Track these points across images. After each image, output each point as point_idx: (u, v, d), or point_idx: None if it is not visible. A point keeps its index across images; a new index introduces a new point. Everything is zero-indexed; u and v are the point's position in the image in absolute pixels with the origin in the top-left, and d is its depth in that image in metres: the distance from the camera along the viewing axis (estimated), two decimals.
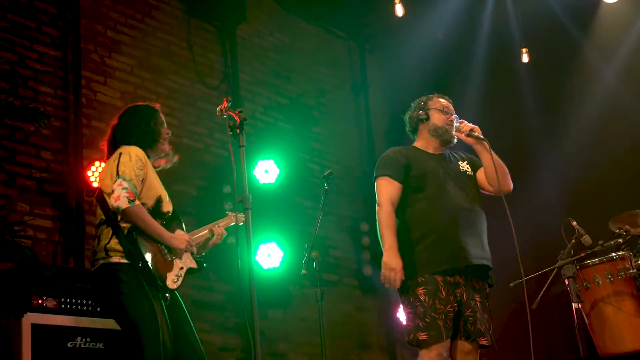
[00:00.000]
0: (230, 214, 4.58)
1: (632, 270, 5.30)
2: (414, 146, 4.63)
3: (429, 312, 4.17)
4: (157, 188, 4.19)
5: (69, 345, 4.74)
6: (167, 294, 4.03)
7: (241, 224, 4.46)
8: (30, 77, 6.12)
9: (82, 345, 4.80)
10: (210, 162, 7.21)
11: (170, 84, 7.16)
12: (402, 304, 4.35)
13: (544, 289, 4.99)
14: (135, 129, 4.28)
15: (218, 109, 4.12)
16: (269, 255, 7.21)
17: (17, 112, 4.95)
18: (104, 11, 6.81)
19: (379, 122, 9.20)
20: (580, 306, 4.96)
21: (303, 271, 4.96)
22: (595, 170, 7.87)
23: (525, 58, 8.21)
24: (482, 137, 4.46)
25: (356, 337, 8.25)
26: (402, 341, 8.40)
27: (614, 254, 5.34)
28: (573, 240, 5.11)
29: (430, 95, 4.70)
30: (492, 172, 4.44)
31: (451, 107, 4.66)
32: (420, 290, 4.21)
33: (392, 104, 9.29)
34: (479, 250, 4.32)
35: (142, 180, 4.09)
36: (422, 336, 4.16)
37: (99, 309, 4.91)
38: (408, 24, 8.44)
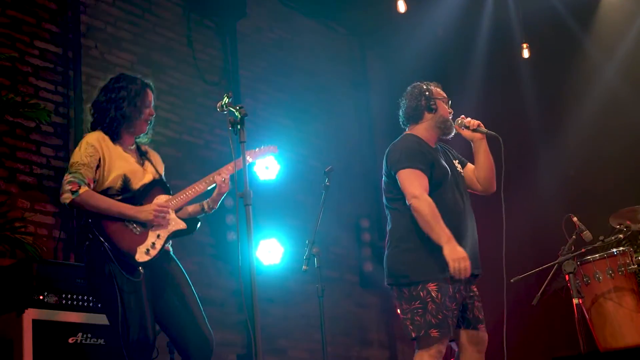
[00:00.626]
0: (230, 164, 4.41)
1: (632, 266, 5.29)
2: (419, 137, 4.43)
3: (441, 309, 4.08)
4: (120, 167, 4.12)
5: (70, 341, 4.75)
6: (140, 268, 3.97)
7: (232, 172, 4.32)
8: (31, 74, 6.12)
9: (83, 341, 4.81)
10: (210, 158, 7.21)
11: (171, 80, 7.16)
12: (407, 298, 4.17)
13: (544, 285, 4.99)
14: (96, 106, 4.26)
15: (219, 104, 4.11)
16: (270, 252, 7.22)
17: (18, 108, 4.95)
18: (104, 7, 6.81)
19: (379, 117, 9.19)
20: (580, 302, 4.95)
21: (304, 267, 4.96)
22: (595, 165, 7.87)
23: (525, 54, 8.19)
24: (493, 132, 4.40)
25: (357, 334, 8.26)
26: (402, 337, 8.41)
27: (614, 250, 5.33)
28: (573, 236, 5.10)
29: (429, 84, 4.56)
30: (487, 172, 4.41)
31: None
32: (433, 287, 4.11)
33: (392, 100, 9.21)
34: (477, 258, 4.30)
35: (98, 165, 4.07)
36: (434, 333, 4.07)
37: (99, 305, 4.91)
38: (408, 19, 8.42)
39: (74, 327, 4.79)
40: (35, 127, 5.97)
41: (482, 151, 4.43)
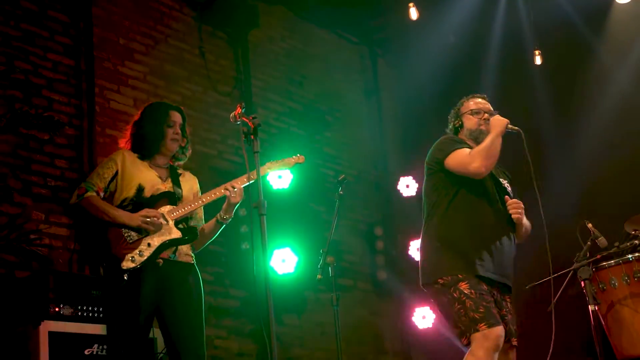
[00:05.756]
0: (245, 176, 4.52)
1: None
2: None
3: (479, 302, 4.06)
4: (137, 178, 4.36)
5: (86, 352, 4.76)
6: (124, 275, 4.11)
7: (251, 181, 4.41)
8: (44, 86, 6.15)
9: (100, 353, 4.81)
10: (223, 168, 7.22)
11: (183, 90, 7.18)
12: (445, 302, 4.17)
13: (559, 291, 4.97)
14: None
15: (232, 115, 4.13)
16: (284, 261, 7.22)
17: (32, 120, 4.99)
18: (117, 19, 6.84)
19: (391, 126, 9.19)
20: (596, 308, 4.94)
21: (318, 276, 4.95)
22: (609, 171, 7.83)
23: (538, 60, 8.18)
24: (516, 128, 4.46)
25: (371, 342, 8.23)
26: (417, 345, 8.38)
27: (630, 256, 5.31)
28: (589, 242, 5.09)
29: (462, 100, 4.68)
30: (520, 237, 4.47)
31: (485, 105, 4.62)
32: (464, 285, 4.11)
33: (404, 108, 9.28)
34: (510, 273, 4.33)
35: (114, 177, 4.35)
36: (483, 327, 4.01)
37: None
38: (420, 27, 8.42)
39: (90, 339, 4.80)
40: (49, 139, 6.00)
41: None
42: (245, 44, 7.90)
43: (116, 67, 6.71)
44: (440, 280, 4.20)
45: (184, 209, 4.37)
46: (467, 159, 4.27)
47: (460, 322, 4.09)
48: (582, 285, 4.96)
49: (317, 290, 7.23)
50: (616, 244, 5.30)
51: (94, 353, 4.79)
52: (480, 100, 4.64)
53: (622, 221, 5.65)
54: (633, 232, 5.50)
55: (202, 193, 4.57)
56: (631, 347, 5.20)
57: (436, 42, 8.71)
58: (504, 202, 4.38)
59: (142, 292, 4.13)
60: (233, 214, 4.46)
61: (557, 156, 8.33)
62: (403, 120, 9.27)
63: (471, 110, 4.59)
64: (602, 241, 5.05)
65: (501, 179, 4.53)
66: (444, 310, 4.23)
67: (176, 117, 4.59)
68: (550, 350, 4.33)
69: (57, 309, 4.72)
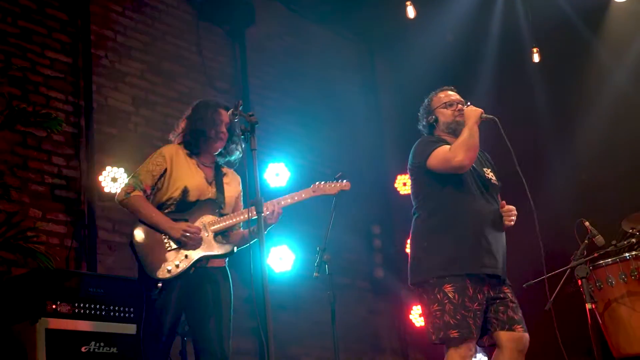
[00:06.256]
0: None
1: None
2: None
3: (459, 309, 4.11)
4: (184, 179, 4.32)
5: (83, 350, 4.76)
6: (158, 284, 4.11)
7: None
8: (42, 83, 6.15)
9: (96, 350, 4.82)
10: None
11: (181, 88, 7.17)
12: (426, 301, 4.25)
13: (556, 290, 4.96)
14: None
15: (229, 112, 4.13)
16: (281, 259, 7.22)
17: (29, 118, 4.97)
18: (114, 17, 6.83)
19: (389, 123, 9.19)
20: (593, 307, 4.93)
21: (315, 274, 4.95)
22: (607, 170, 7.84)
23: (536, 58, 8.18)
24: (490, 116, 4.42)
25: (369, 340, 8.24)
26: (415, 344, 8.38)
27: (627, 254, 5.30)
28: (586, 241, 5.08)
29: (431, 95, 4.65)
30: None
31: (456, 96, 4.60)
32: (449, 288, 4.15)
33: (402, 106, 9.27)
34: (504, 264, 4.32)
35: (163, 174, 4.32)
36: (454, 334, 4.10)
37: (112, 313, 4.96)
38: (417, 25, 8.42)
39: (87, 336, 4.80)
40: (46, 136, 5.99)
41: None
42: (243, 41, 7.89)
43: (113, 64, 6.71)
44: (427, 280, 4.25)
45: (225, 222, 4.34)
46: (448, 155, 4.26)
47: (435, 323, 4.18)
48: (579, 283, 4.96)
49: (314, 288, 7.21)
50: (613, 242, 5.29)
51: (91, 350, 4.79)
52: (450, 92, 4.63)
53: (619, 219, 5.64)
54: (630, 231, 5.50)
55: None
56: (628, 346, 5.20)
57: (434, 39, 8.71)
58: (489, 195, 4.40)
59: (171, 299, 4.16)
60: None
61: (555, 154, 8.34)
62: (401, 117, 9.27)
63: (444, 103, 4.56)
64: (599, 239, 5.04)
65: (484, 169, 4.52)
66: (424, 308, 4.30)
67: (224, 116, 4.48)
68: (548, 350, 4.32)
69: (54, 306, 4.72)
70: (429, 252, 4.28)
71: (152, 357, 4.13)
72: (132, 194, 4.27)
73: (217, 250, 4.30)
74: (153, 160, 4.38)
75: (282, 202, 4.43)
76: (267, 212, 4.30)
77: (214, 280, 4.32)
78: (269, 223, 4.34)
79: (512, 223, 4.39)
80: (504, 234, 4.41)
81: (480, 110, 4.41)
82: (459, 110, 4.51)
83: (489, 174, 4.51)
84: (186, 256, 4.21)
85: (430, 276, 4.23)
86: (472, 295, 4.16)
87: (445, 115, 4.54)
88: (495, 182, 4.51)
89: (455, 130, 4.46)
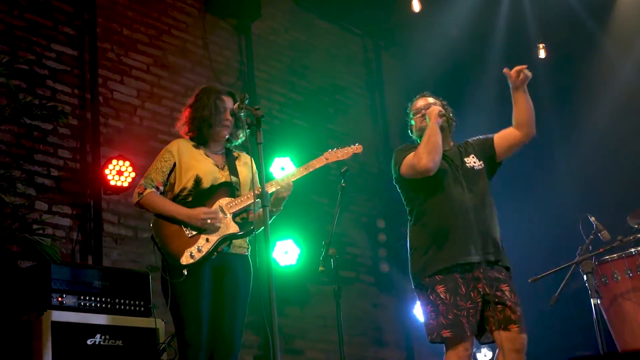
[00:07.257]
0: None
1: None
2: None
3: (451, 309, 4.16)
4: (195, 168, 4.34)
5: (88, 342, 4.76)
6: (184, 271, 4.14)
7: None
8: (48, 76, 6.15)
9: (102, 343, 4.82)
10: None
11: (187, 81, 7.17)
12: (422, 302, 4.35)
13: (562, 285, 4.96)
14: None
15: (235, 106, 4.14)
16: (286, 253, 7.23)
17: (35, 111, 4.98)
18: (120, 10, 6.84)
19: (394, 118, 9.17)
20: (599, 302, 4.93)
21: (320, 268, 4.95)
22: (613, 165, 7.83)
23: (542, 54, 8.16)
24: (444, 114, 4.55)
25: (373, 334, 8.25)
26: (419, 338, 8.38)
27: (632, 250, 5.29)
28: (591, 236, 5.08)
29: (409, 106, 4.81)
30: (527, 116, 4.65)
31: (424, 103, 4.70)
32: (441, 288, 4.22)
33: (407, 101, 9.22)
34: (489, 246, 4.31)
35: (172, 169, 4.35)
36: (447, 334, 4.16)
37: (117, 306, 4.97)
38: (423, 20, 8.41)
39: (93, 329, 4.80)
40: (52, 129, 6.00)
41: (517, 99, 4.67)
42: (249, 36, 7.89)
43: (120, 57, 6.71)
44: (420, 283, 4.35)
45: (241, 202, 4.32)
46: (413, 161, 4.38)
47: (429, 324, 4.26)
48: (585, 278, 4.96)
49: (319, 282, 7.23)
50: (619, 237, 5.28)
51: (96, 343, 4.80)
52: (419, 100, 4.76)
53: (625, 215, 5.63)
54: (636, 226, 5.49)
55: None
56: (633, 341, 5.19)
57: (440, 35, 8.70)
58: (472, 183, 4.43)
59: (201, 285, 4.17)
60: (281, 207, 4.42)
61: (561, 149, 8.33)
62: (406, 112, 9.24)
63: (413, 112, 4.73)
64: (605, 235, 5.04)
65: (466, 158, 4.53)
66: (421, 307, 4.39)
67: (228, 102, 4.46)
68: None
69: (59, 299, 4.72)
70: (417, 255, 4.41)
71: (195, 343, 4.14)
72: (145, 193, 4.30)
73: (237, 229, 4.30)
74: (161, 157, 4.41)
75: (297, 174, 4.44)
76: (279, 187, 4.33)
77: (233, 272, 4.32)
78: (281, 196, 4.36)
79: (529, 73, 4.61)
80: (488, 217, 4.40)
81: (437, 108, 4.54)
82: (422, 115, 4.62)
83: (470, 162, 4.53)
84: (207, 240, 4.22)
85: (421, 278, 4.33)
86: (465, 294, 4.21)
87: (415, 122, 4.70)
88: (479, 167, 4.51)
89: (422, 136, 4.54)
